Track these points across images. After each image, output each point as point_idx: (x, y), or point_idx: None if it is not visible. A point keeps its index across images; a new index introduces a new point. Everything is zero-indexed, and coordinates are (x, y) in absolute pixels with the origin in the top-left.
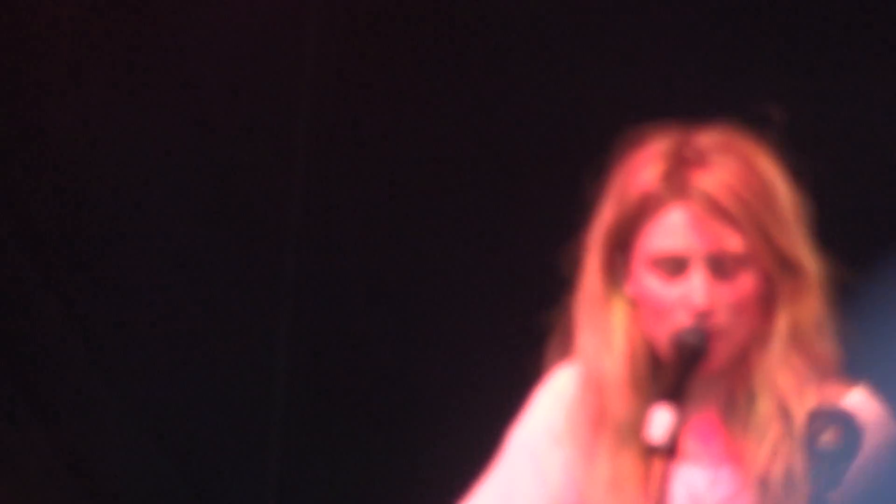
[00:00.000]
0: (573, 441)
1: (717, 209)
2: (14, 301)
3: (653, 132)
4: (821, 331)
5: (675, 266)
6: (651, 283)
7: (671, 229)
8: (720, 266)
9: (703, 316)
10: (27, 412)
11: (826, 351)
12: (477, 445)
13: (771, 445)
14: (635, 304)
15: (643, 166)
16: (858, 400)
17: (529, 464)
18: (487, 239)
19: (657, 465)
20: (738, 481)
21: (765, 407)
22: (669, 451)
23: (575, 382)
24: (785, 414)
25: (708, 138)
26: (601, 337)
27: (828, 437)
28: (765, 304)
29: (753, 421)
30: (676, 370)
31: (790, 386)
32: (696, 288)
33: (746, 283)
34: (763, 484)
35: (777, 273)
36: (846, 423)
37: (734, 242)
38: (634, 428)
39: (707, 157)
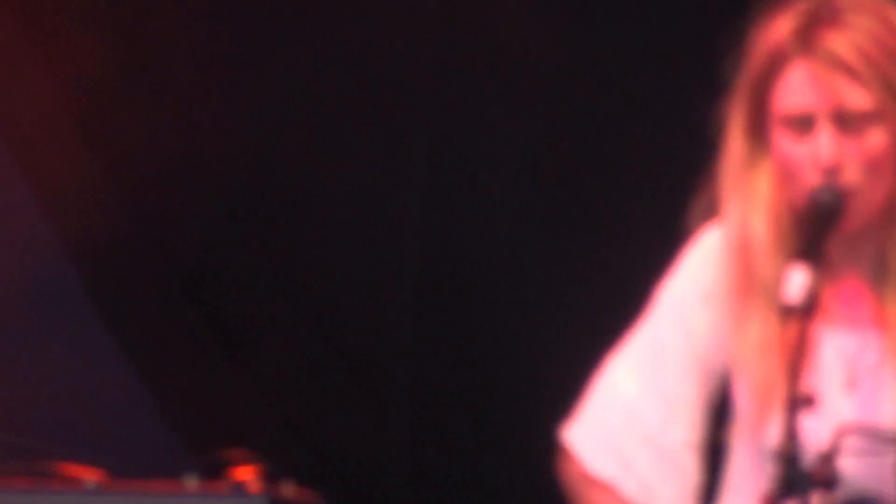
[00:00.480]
0: (722, 302)
1: (840, 65)
2: None
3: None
4: None
5: (802, 124)
6: (783, 143)
7: (794, 86)
8: (846, 122)
9: (832, 172)
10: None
11: None
12: (626, 302)
13: None
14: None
15: (777, 24)
16: None
17: (678, 322)
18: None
19: (794, 325)
20: (886, 347)
21: None
22: (805, 312)
23: (723, 243)
24: None
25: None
26: (747, 199)
27: None
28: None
29: None
30: (812, 230)
31: None
32: (822, 144)
33: (876, 139)
34: None
35: None
36: None
37: (859, 98)
38: (781, 290)
39: (841, 15)
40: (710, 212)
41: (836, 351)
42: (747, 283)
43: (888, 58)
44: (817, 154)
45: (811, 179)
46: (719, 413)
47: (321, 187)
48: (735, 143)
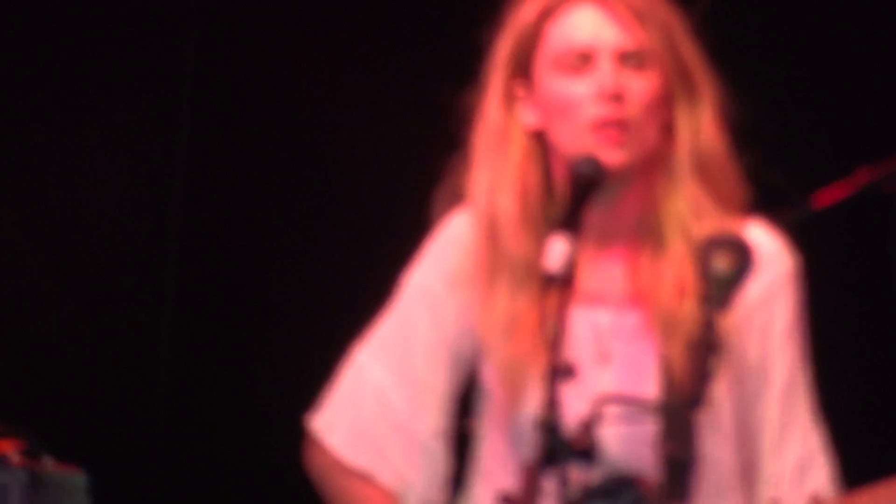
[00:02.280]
0: (469, 285)
1: (626, 4)
2: None
3: None
4: (721, 162)
5: (582, 59)
6: (557, 85)
7: (577, 24)
8: (629, 58)
9: (614, 101)
10: None
11: (728, 185)
12: (372, 289)
13: (678, 284)
14: (534, 136)
15: None
16: (755, 231)
17: (425, 308)
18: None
19: (554, 297)
20: (643, 322)
21: (672, 243)
22: (565, 282)
23: (469, 228)
24: (690, 249)
25: None
26: (496, 173)
27: (719, 262)
28: (665, 127)
29: (661, 260)
30: (573, 199)
31: (693, 216)
32: (605, 75)
33: (653, 80)
34: (669, 326)
35: (679, 86)
36: (737, 249)
37: (642, 37)
38: (530, 267)
39: None
40: (456, 199)
41: (588, 327)
42: (494, 260)
43: (665, 9)
44: (600, 84)
45: (594, 111)
46: (465, 401)
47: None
48: (490, 115)
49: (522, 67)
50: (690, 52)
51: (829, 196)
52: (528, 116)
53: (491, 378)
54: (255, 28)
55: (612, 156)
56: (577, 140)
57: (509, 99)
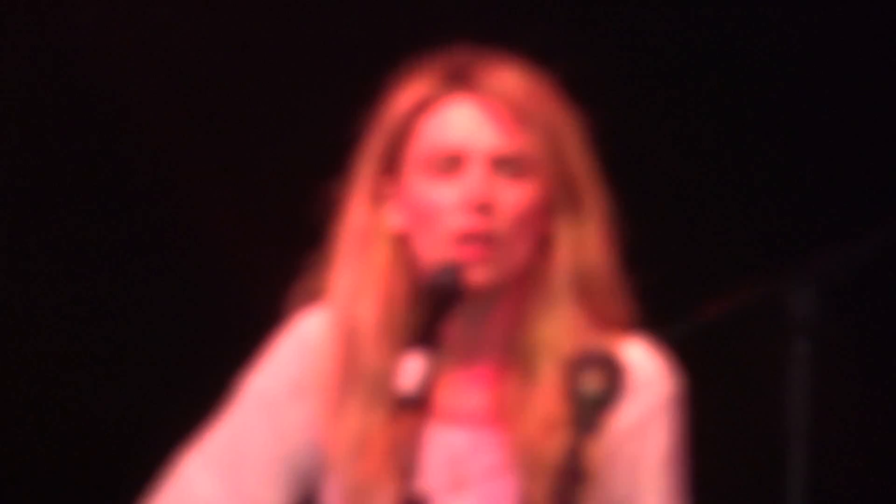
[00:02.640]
0: (318, 395)
1: (507, 102)
2: None
3: (432, 58)
4: (604, 280)
5: (452, 163)
6: (424, 189)
7: (449, 122)
8: (504, 165)
9: (482, 213)
10: None
11: (610, 303)
12: (210, 392)
13: (545, 415)
14: (401, 239)
15: (418, 76)
16: (635, 350)
17: (265, 417)
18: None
19: (408, 420)
20: (503, 447)
21: (542, 369)
22: (419, 405)
23: (323, 331)
24: (561, 374)
25: (493, 57)
26: (359, 277)
27: (588, 381)
28: (544, 241)
29: (528, 386)
30: (431, 313)
31: (568, 340)
32: (475, 182)
33: (530, 191)
34: (531, 458)
35: (561, 198)
36: (608, 367)
37: (522, 142)
38: (388, 382)
39: (496, 62)
40: (309, 297)
41: (445, 450)
42: (348, 371)
43: (550, 108)
44: (469, 193)
45: (457, 222)
46: None
47: None
48: (354, 215)
49: (392, 164)
50: (577, 160)
51: (714, 309)
52: (394, 218)
53: (333, 499)
54: None
55: (476, 273)
56: (438, 252)
57: (376, 197)
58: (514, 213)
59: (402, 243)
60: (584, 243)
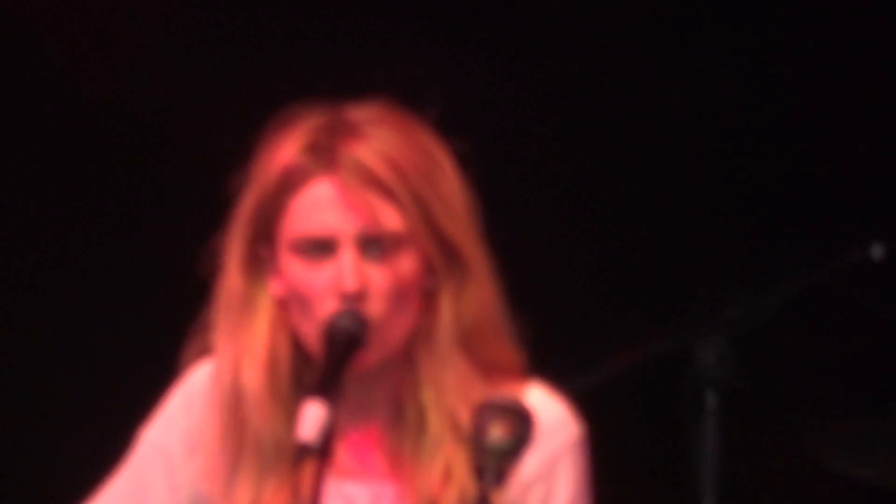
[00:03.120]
0: (210, 452)
1: (370, 180)
2: None
3: (300, 111)
4: (493, 329)
5: (321, 248)
6: (296, 271)
7: (315, 207)
8: (373, 246)
9: (354, 300)
10: None
11: (501, 352)
12: (107, 444)
13: (443, 468)
14: (281, 303)
15: (286, 142)
16: (535, 396)
17: (161, 471)
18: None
19: (308, 469)
20: (403, 501)
21: (435, 425)
22: (321, 453)
23: (212, 384)
24: (456, 428)
25: (362, 111)
26: (240, 343)
27: (495, 431)
28: (427, 295)
29: (423, 439)
30: (330, 360)
31: (460, 393)
32: (345, 269)
33: (404, 266)
34: None
35: (439, 260)
36: (515, 416)
37: (390, 219)
38: (280, 445)
39: (361, 128)
40: (204, 352)
41: (342, 500)
42: (238, 437)
43: (417, 172)
44: (339, 280)
45: (329, 308)
46: None
47: None
48: (231, 279)
49: (266, 234)
50: (450, 221)
51: (612, 362)
52: (273, 286)
53: None
54: None
55: (360, 355)
56: (316, 335)
57: (253, 262)
58: (387, 294)
59: (282, 307)
60: (467, 298)
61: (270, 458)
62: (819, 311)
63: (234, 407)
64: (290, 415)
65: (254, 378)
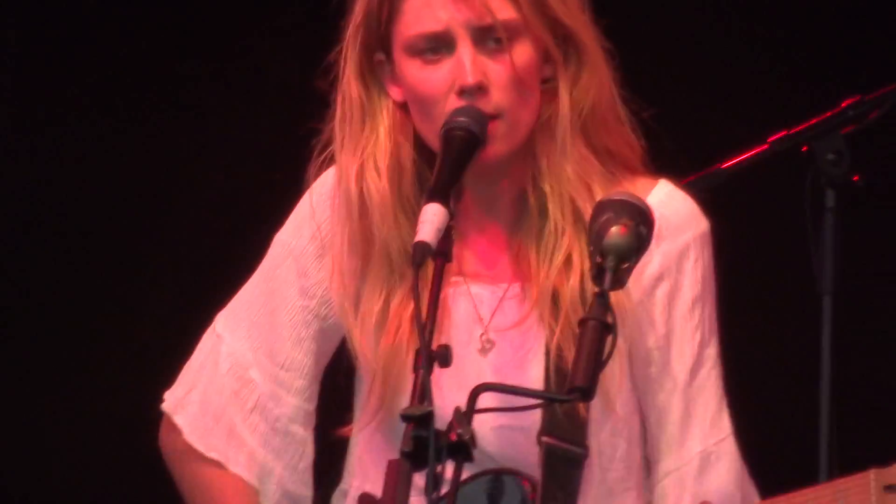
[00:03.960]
0: (339, 256)
1: None
2: None
3: None
4: (611, 115)
5: (438, 44)
6: (414, 72)
7: (428, 3)
8: (489, 37)
9: (475, 94)
10: None
11: (620, 141)
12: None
13: (563, 257)
14: (402, 108)
15: None
16: (661, 191)
17: (294, 274)
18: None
19: (429, 270)
20: (527, 298)
21: (556, 214)
22: (440, 254)
23: (337, 190)
24: (578, 217)
25: None
26: (363, 152)
27: (615, 229)
28: (546, 84)
29: (544, 234)
30: (450, 158)
31: (581, 181)
32: (465, 61)
33: (522, 55)
34: (554, 301)
35: (555, 47)
36: (636, 214)
37: (504, 8)
38: (406, 253)
39: None
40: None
41: (467, 303)
42: (365, 246)
43: None
44: (459, 74)
45: (451, 105)
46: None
47: None
48: (349, 88)
49: (380, 39)
50: (566, 9)
51: (737, 159)
52: (393, 91)
53: (366, 368)
54: None
55: (487, 150)
56: (436, 136)
57: (370, 69)
58: (508, 84)
59: (403, 112)
60: (584, 84)
61: (398, 266)
62: None
63: (360, 216)
64: (415, 228)
65: (379, 185)
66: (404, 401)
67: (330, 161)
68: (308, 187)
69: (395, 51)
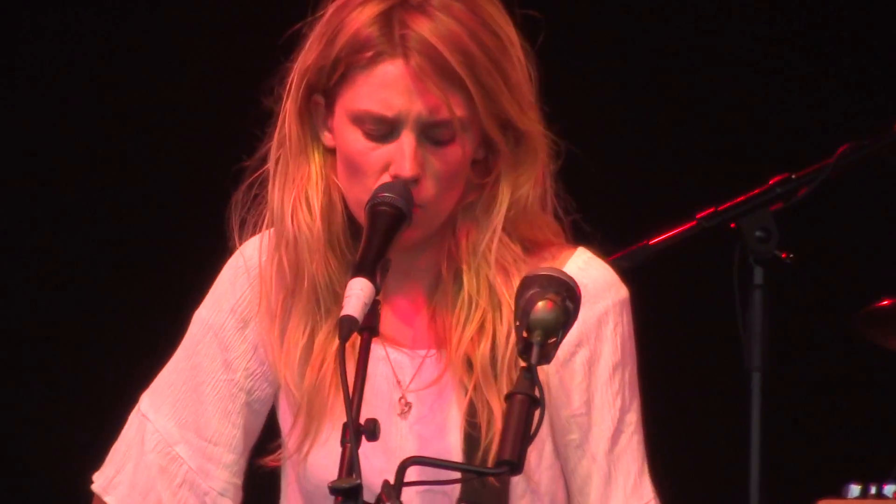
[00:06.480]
0: (261, 318)
1: (440, 67)
2: None
3: None
4: (541, 207)
5: (383, 126)
6: (353, 140)
7: (384, 87)
8: (434, 131)
9: (409, 184)
10: None
11: (547, 229)
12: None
13: (475, 327)
14: (333, 153)
15: (359, 5)
16: (580, 259)
17: (216, 349)
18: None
19: (356, 344)
20: (442, 363)
21: (472, 284)
22: (368, 328)
23: (261, 251)
24: (493, 290)
25: None
26: (296, 189)
27: (542, 304)
28: (481, 170)
29: (460, 299)
30: (376, 234)
31: (499, 265)
32: (406, 154)
33: (459, 151)
34: (468, 366)
35: (499, 137)
36: (562, 289)
37: (456, 107)
38: (333, 291)
39: (430, 8)
40: (252, 229)
41: (389, 370)
42: (294, 283)
43: (483, 52)
44: (397, 163)
45: (383, 179)
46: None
47: None
48: (288, 125)
49: (325, 90)
50: (518, 105)
51: (665, 235)
52: (326, 136)
53: (286, 417)
54: None
55: (403, 234)
56: (364, 204)
57: (308, 111)
58: (441, 178)
59: (334, 156)
60: (525, 178)
61: (325, 301)
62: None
63: (289, 252)
64: (344, 266)
65: (310, 223)
66: (328, 434)
67: (261, 184)
68: (230, 220)
69: (338, 108)
